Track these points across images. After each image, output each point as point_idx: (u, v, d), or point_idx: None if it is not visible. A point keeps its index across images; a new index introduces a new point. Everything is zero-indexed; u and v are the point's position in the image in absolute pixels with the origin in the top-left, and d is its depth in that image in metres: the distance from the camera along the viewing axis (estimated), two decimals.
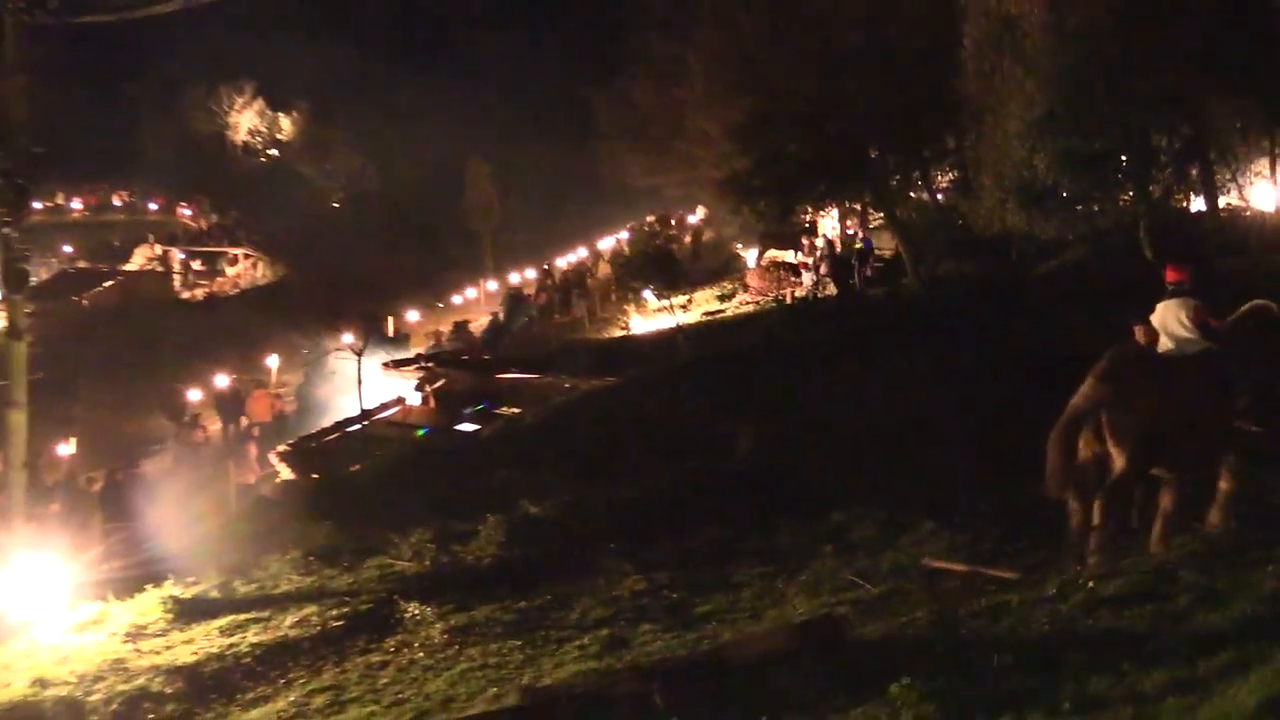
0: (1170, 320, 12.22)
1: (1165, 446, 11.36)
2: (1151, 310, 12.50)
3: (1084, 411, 11.42)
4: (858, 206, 42.82)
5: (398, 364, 35.91)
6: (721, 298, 45.49)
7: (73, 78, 62.30)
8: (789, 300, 41.04)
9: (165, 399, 38.90)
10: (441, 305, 50.10)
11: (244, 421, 36.24)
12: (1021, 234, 30.21)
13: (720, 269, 49.42)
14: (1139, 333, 12.63)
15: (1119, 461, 11.28)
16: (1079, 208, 29.65)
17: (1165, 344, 12.20)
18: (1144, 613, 9.36)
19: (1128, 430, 11.26)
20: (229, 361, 41.87)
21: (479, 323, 48.07)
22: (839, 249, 39.42)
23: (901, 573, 12.77)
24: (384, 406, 32.69)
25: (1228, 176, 30.07)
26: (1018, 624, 9.51)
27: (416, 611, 14.78)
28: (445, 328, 47.28)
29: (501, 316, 47.14)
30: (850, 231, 43.89)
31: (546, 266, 55.91)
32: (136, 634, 16.07)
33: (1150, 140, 29.01)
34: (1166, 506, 11.61)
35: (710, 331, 38.13)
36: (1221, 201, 30.57)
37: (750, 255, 47.45)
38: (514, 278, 54.84)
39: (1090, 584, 9.91)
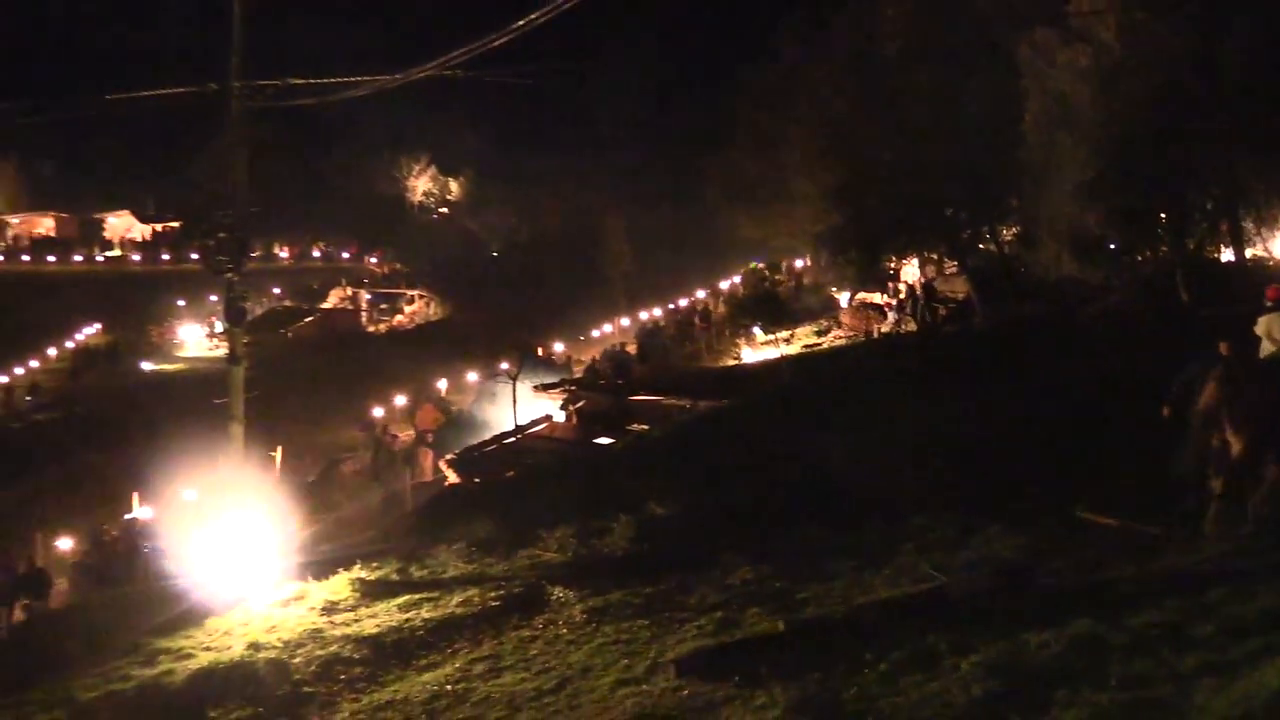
0: (1275, 329, 13.91)
1: (1274, 433, 12.12)
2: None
3: (1211, 408, 12.37)
4: (934, 256, 42.50)
5: (546, 387, 36.11)
6: (818, 333, 45.41)
7: (282, 150, 63.38)
8: (876, 335, 40.90)
9: (360, 412, 39.49)
10: (583, 338, 50.36)
11: (414, 431, 36.70)
12: (1074, 279, 30.01)
13: (818, 308, 49.26)
14: (1224, 347, 12.92)
15: (1236, 447, 12.16)
16: (1124, 257, 29.48)
17: (1267, 348, 13.17)
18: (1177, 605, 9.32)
19: (1242, 421, 12.12)
20: (406, 384, 42.36)
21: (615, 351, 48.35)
22: (919, 292, 39.15)
23: (973, 567, 12.64)
24: (534, 423, 32.89)
25: (1254, 230, 29.66)
26: None
27: (561, 594, 14.84)
28: (586, 357, 47.47)
29: (634, 348, 47.23)
30: (927, 279, 43.67)
31: (672, 306, 56.01)
32: (331, 609, 16.31)
33: (1187, 199, 28.80)
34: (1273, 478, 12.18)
35: (809, 361, 38.05)
36: (1249, 252, 30.14)
37: (843, 297, 47.29)
38: (643, 315, 54.96)
39: None
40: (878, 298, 44.22)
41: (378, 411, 39.06)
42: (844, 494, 16.68)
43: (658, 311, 56.27)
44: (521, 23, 18.37)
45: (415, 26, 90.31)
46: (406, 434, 36.98)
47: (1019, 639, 9.55)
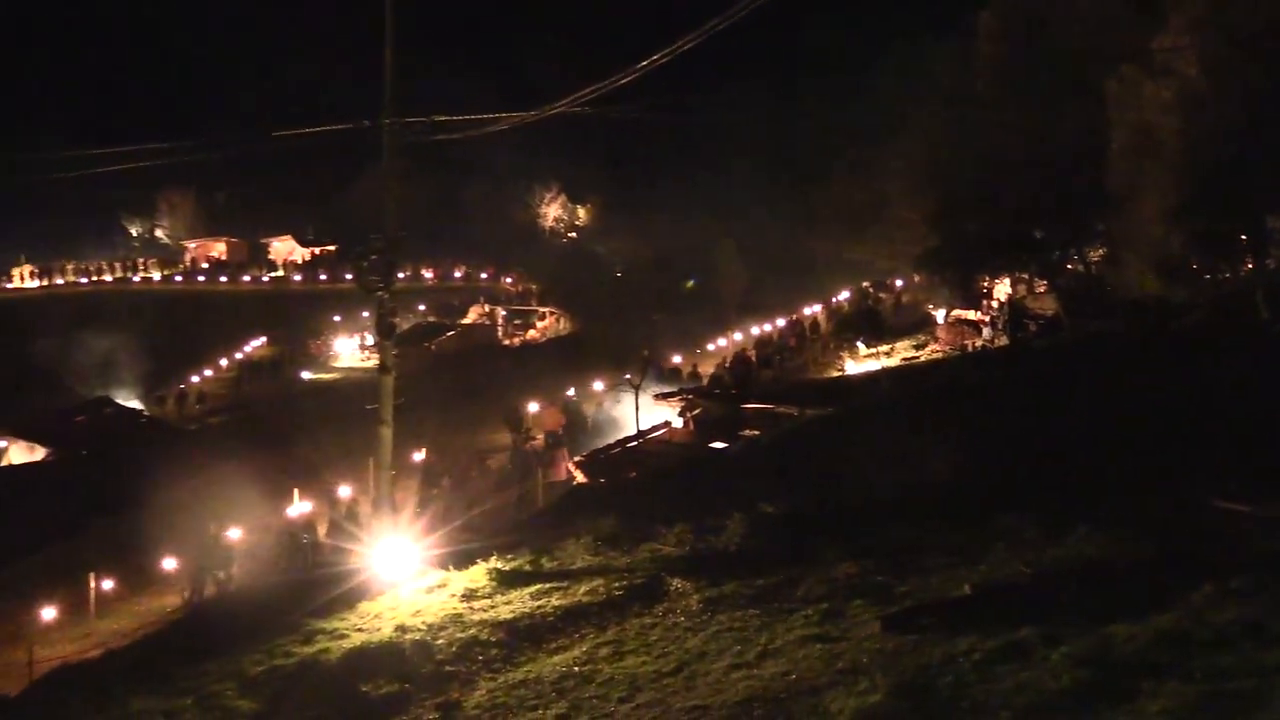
0: None
1: None
2: None
3: None
4: (1025, 275, 41.90)
5: (665, 396, 36.16)
6: (916, 347, 44.99)
7: (428, 181, 64.14)
8: (970, 349, 40.39)
9: (508, 415, 39.86)
10: (699, 351, 50.33)
11: (542, 433, 37.05)
12: (1157, 298, 29.47)
13: (916, 324, 48.79)
14: None
15: None
16: (1206, 277, 28.91)
17: None
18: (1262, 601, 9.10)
19: None
20: (538, 392, 42.65)
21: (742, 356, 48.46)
22: (1011, 310, 38.70)
23: (1059, 563, 12.42)
24: (654, 428, 32.94)
25: None
26: None
27: (679, 585, 14.82)
28: (703, 369, 47.38)
29: (748, 359, 47.09)
30: (1018, 297, 43.09)
31: (781, 322, 55.81)
32: (470, 595, 16.46)
33: (1265, 221, 28.21)
34: None
35: (907, 373, 37.68)
36: None
37: (939, 313, 46.81)
38: (754, 330, 54.81)
39: None
40: (972, 314, 43.73)
41: (529, 408, 39.42)
42: (940, 495, 16.48)
43: (767, 326, 56.07)
44: (644, 63, 18.47)
45: (548, 68, 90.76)
46: (536, 439, 37.25)
47: (1104, 633, 9.39)
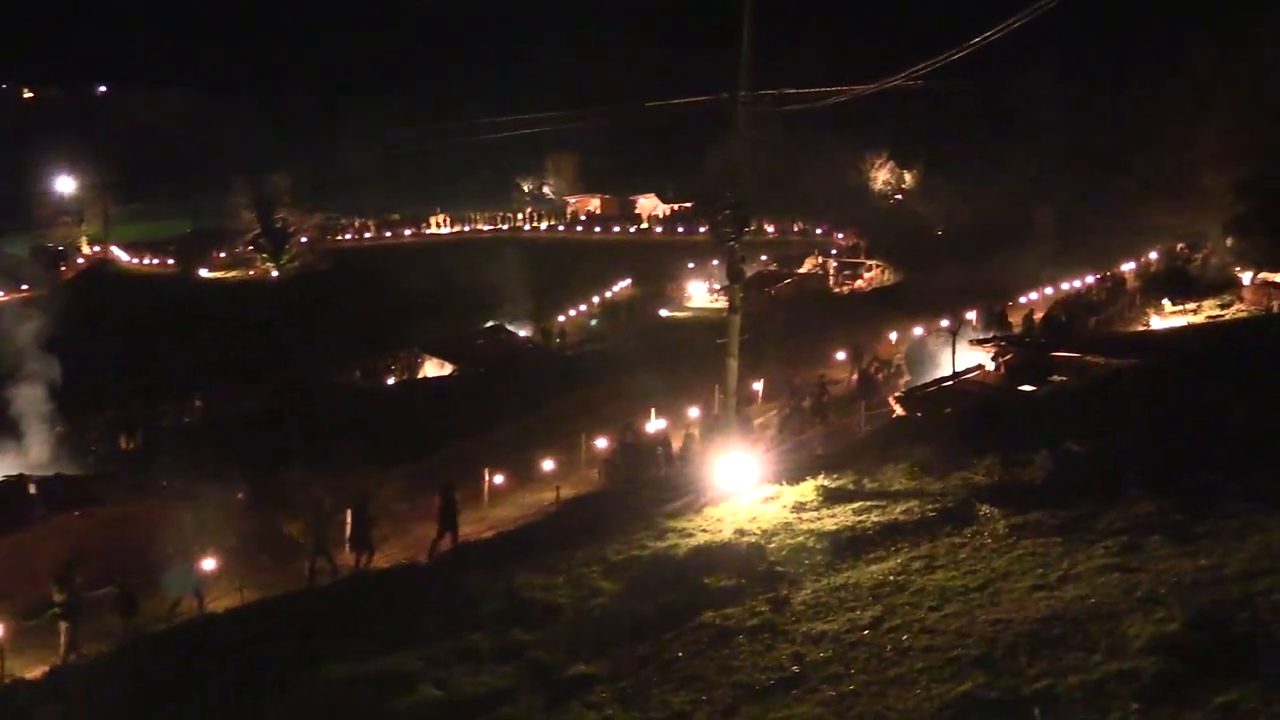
0: None
1: None
2: None
3: None
4: None
5: (980, 341, 35.08)
6: (1221, 306, 41.82)
7: (773, 146, 63.96)
8: (1275, 310, 37.34)
9: (853, 348, 39.80)
10: (1010, 304, 48.41)
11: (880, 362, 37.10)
12: None
13: (1221, 285, 45.37)
14: None
15: None
16: None
17: None
18: None
19: None
20: (861, 335, 42.22)
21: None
22: None
23: None
24: (968, 370, 32.07)
25: None
26: None
27: (986, 511, 14.42)
28: (1016, 320, 45.64)
29: (1058, 312, 45.03)
30: None
31: (1091, 279, 53.18)
32: (799, 508, 16.55)
33: None
34: None
35: (1209, 331, 35.19)
36: None
37: (1246, 276, 43.40)
38: (1064, 285, 52.31)
39: None
40: (1278, 277, 40.38)
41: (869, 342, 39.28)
42: (1240, 445, 15.35)
43: (1077, 283, 53.37)
44: (976, 40, 17.83)
45: (882, 43, 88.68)
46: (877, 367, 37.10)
47: None
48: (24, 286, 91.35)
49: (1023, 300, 49.91)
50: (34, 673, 19.51)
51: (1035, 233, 65.75)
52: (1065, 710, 8.30)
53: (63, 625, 20.92)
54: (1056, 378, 27.56)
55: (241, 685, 14.13)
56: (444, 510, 24.13)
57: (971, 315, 44.22)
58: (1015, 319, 45.14)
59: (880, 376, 36.20)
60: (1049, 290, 51.55)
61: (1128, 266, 54.55)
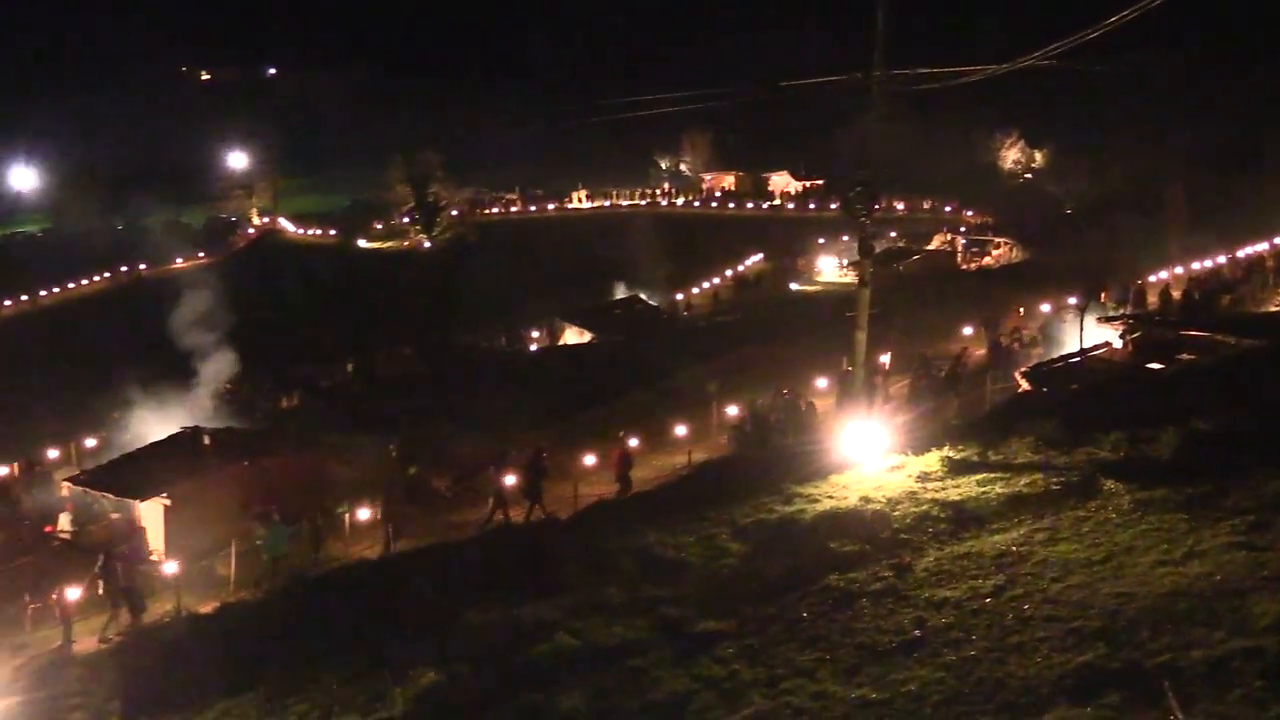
0: None
1: None
2: None
3: None
4: None
5: (1109, 319, 33.99)
6: None
7: (905, 124, 62.91)
8: None
9: (984, 320, 39.06)
10: (1139, 283, 46.70)
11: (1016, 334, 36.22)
12: None
13: None
14: None
15: None
16: None
17: None
18: None
19: None
20: (988, 311, 41.20)
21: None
22: None
23: None
24: (1095, 347, 31.10)
25: None
26: None
27: (1111, 486, 14.03)
28: (1150, 298, 44.05)
29: (1191, 291, 43.30)
30: None
31: (1222, 259, 50.97)
32: (924, 477, 16.34)
33: None
34: None
35: None
36: None
37: None
38: (1194, 265, 50.21)
39: None
40: None
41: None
42: None
43: (1208, 263, 51.18)
44: (1112, 20, 17.19)
45: (1015, 25, 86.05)
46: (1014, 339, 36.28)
47: None
48: (200, 254, 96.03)
49: (1153, 279, 48.13)
50: (205, 607, 20.54)
51: (1166, 211, 63.29)
52: (1187, 684, 8.06)
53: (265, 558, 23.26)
54: (1185, 356, 26.57)
55: (389, 626, 14.58)
56: (530, 479, 24.71)
57: (1101, 293, 42.76)
58: (1152, 297, 43.61)
59: (1016, 347, 35.30)
60: (1179, 269, 49.57)
61: (1261, 246, 52.14)
